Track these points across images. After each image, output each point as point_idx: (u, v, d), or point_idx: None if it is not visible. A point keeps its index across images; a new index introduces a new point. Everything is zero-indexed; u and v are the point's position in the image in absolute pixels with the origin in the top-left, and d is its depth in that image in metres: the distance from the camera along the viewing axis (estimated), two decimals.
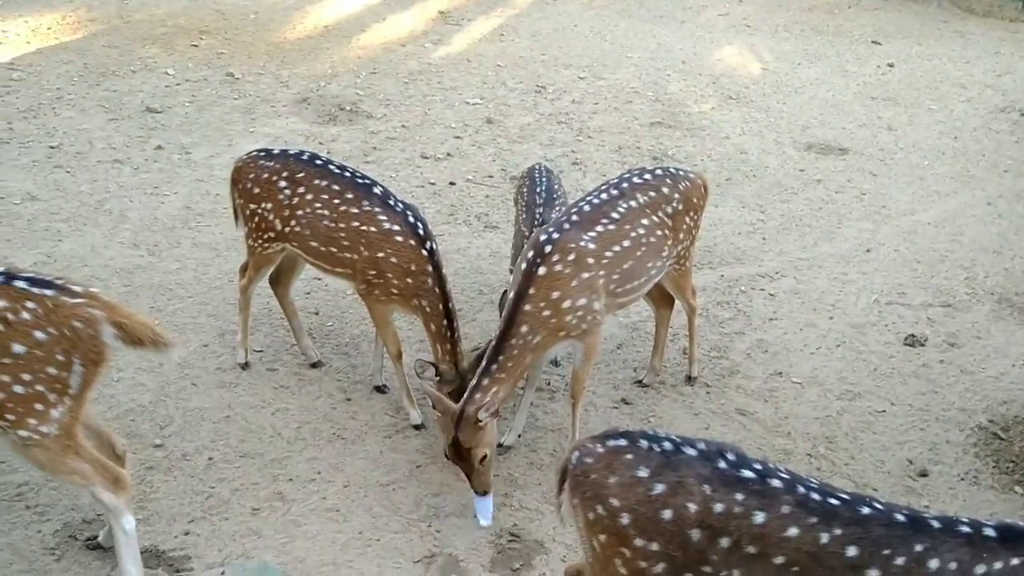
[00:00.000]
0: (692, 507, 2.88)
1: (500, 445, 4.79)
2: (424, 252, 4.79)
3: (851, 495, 2.89)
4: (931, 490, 4.89)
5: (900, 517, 2.80)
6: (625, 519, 2.95)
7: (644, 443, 3.04)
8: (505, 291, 4.84)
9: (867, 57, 11.34)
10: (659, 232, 4.81)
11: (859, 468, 5.01)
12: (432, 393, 4.41)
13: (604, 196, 4.77)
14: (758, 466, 2.96)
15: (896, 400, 5.54)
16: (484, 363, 4.38)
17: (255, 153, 5.17)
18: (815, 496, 2.86)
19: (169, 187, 7.20)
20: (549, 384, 5.48)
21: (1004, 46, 11.91)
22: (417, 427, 5.06)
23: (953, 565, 2.68)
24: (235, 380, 5.30)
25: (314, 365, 5.46)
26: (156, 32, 10.08)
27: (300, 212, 4.93)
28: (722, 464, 2.95)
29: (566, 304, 4.43)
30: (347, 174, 4.99)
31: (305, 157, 5.08)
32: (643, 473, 2.96)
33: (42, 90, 8.47)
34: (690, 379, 5.56)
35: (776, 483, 2.89)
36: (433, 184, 7.61)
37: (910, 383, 5.69)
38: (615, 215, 4.68)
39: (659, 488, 2.92)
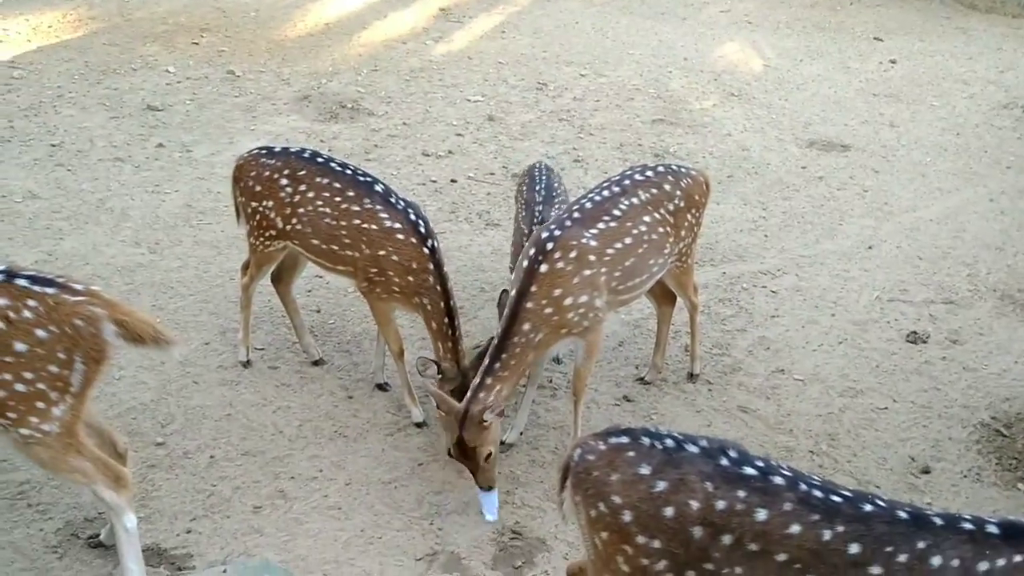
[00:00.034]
0: (694, 504, 2.87)
1: (502, 443, 4.79)
2: (425, 250, 4.79)
3: (853, 492, 2.88)
4: (933, 487, 4.89)
5: (902, 514, 2.79)
6: (627, 516, 2.94)
7: (646, 440, 3.04)
8: (504, 290, 4.84)
9: (869, 53, 11.32)
10: (661, 229, 4.80)
11: (861, 465, 5.00)
12: (436, 392, 4.41)
13: (606, 193, 4.76)
14: (760, 463, 2.95)
15: (898, 397, 5.54)
16: (487, 361, 4.38)
17: (256, 151, 5.17)
18: (817, 493, 2.85)
19: (170, 185, 7.20)
20: (551, 381, 5.48)
21: (1006, 42, 11.90)
22: (419, 425, 5.06)
23: (956, 562, 2.68)
24: (237, 378, 5.30)
25: (316, 363, 5.46)
26: (157, 30, 10.07)
27: (301, 210, 4.93)
28: (724, 461, 2.95)
29: (568, 301, 4.43)
30: (348, 172, 4.98)
31: (306, 155, 5.07)
32: (645, 470, 2.96)
33: (43, 88, 8.47)
34: (692, 376, 5.56)
35: (778, 480, 2.89)
36: (434, 182, 7.60)
37: (912, 380, 5.69)
38: (617, 212, 4.67)
39: (661, 485, 2.92)
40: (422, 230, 4.82)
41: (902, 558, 2.71)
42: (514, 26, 11.34)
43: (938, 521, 2.76)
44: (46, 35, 9.64)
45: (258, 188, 5.02)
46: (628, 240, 4.65)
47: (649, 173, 4.95)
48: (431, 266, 4.78)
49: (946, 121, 9.50)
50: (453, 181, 7.63)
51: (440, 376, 4.68)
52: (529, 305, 4.38)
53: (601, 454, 3.05)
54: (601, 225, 4.60)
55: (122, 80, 8.80)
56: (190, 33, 10.08)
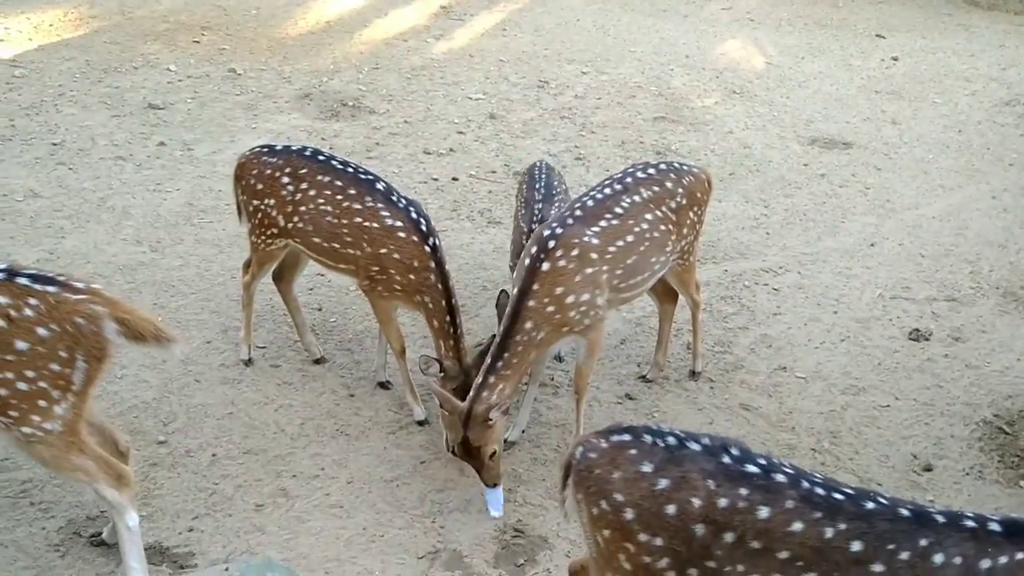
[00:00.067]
0: (696, 502, 2.87)
1: (505, 441, 4.79)
2: (427, 248, 4.78)
3: (855, 490, 2.88)
4: (936, 485, 4.88)
5: (905, 512, 2.79)
6: (629, 514, 2.94)
7: (648, 438, 3.03)
8: (503, 291, 4.84)
9: (871, 51, 11.31)
10: (663, 227, 4.80)
11: (863, 463, 5.00)
12: (439, 392, 4.40)
13: (608, 191, 4.76)
14: (762, 461, 2.95)
15: (901, 395, 5.53)
16: (489, 360, 4.38)
17: (258, 149, 5.17)
18: (819, 491, 2.85)
19: (171, 183, 7.20)
20: (553, 380, 5.48)
21: (1009, 39, 11.88)
22: (421, 423, 5.06)
23: (958, 560, 2.67)
24: (238, 376, 5.30)
25: (317, 361, 5.46)
26: (158, 28, 10.07)
27: (303, 208, 4.92)
28: (726, 459, 2.94)
29: (569, 299, 4.42)
30: (350, 170, 4.98)
31: (308, 153, 5.07)
32: (647, 468, 2.95)
33: (44, 87, 8.47)
34: (694, 374, 5.56)
35: (780, 478, 2.88)
36: (436, 180, 7.60)
37: (914, 378, 5.68)
38: (618, 210, 4.67)
39: (663, 483, 2.92)
40: (423, 228, 4.82)
41: (904, 556, 2.71)
42: (515, 24, 11.33)
43: (940, 519, 2.76)
44: (47, 33, 9.64)
45: (260, 186, 5.02)
46: (630, 238, 4.65)
47: (651, 171, 4.94)
48: (433, 264, 4.78)
49: (948, 118, 9.49)
50: (455, 179, 7.62)
51: (442, 374, 4.68)
52: (531, 303, 4.38)
53: (603, 452, 3.05)
54: (603, 223, 4.59)
55: (123, 78, 8.80)
56: (191, 31, 10.08)
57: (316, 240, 4.95)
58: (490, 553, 4.30)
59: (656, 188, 4.84)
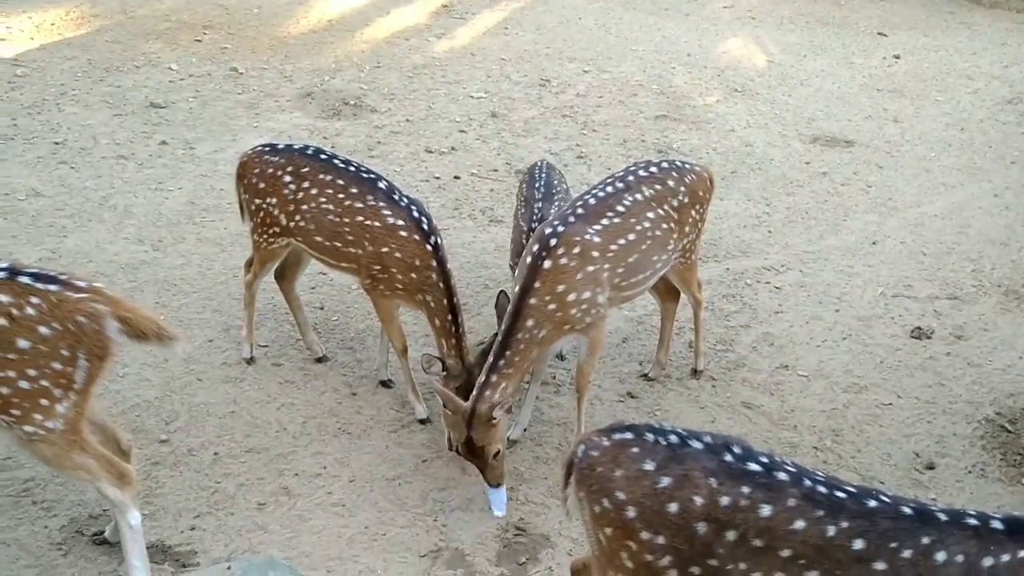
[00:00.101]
0: (698, 500, 2.87)
1: (506, 439, 4.78)
2: (428, 247, 4.78)
3: (857, 488, 2.88)
4: (938, 483, 4.88)
5: (907, 510, 2.78)
6: (631, 512, 2.94)
7: (650, 436, 3.03)
8: (502, 291, 4.84)
9: (873, 49, 11.30)
10: (665, 225, 4.80)
11: (866, 461, 5.00)
12: (443, 391, 4.40)
13: (609, 189, 4.76)
14: (764, 459, 2.95)
15: (903, 393, 5.53)
16: (491, 359, 4.38)
17: (260, 148, 5.17)
18: (821, 489, 2.84)
19: (173, 182, 7.20)
20: (554, 378, 5.48)
21: (1011, 37, 11.86)
22: (423, 422, 5.06)
23: (960, 558, 2.67)
24: (240, 375, 5.30)
25: (319, 360, 5.46)
26: (160, 27, 10.07)
27: (305, 207, 4.93)
28: (728, 457, 2.94)
29: (571, 297, 4.42)
30: (352, 168, 4.99)
31: (310, 152, 5.07)
32: (649, 466, 2.95)
33: (46, 86, 8.47)
34: (696, 372, 5.55)
35: (782, 476, 2.88)
36: (438, 178, 7.60)
37: (917, 376, 5.68)
38: (620, 208, 4.67)
39: (665, 481, 2.92)
40: (425, 227, 4.82)
41: (906, 554, 2.70)
42: (517, 22, 11.33)
43: (942, 517, 2.76)
44: (49, 33, 9.64)
45: (262, 185, 5.02)
46: (632, 236, 4.65)
47: (653, 169, 4.94)
48: (434, 263, 4.78)
49: (950, 116, 9.48)
50: (456, 178, 7.62)
51: (445, 373, 4.68)
52: (533, 301, 4.38)
53: (605, 450, 3.05)
54: (605, 221, 4.59)
55: (125, 77, 8.80)
56: (193, 30, 10.08)
57: (318, 239, 4.95)
58: (492, 551, 4.31)
59: (658, 186, 4.84)
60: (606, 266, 4.53)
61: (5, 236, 6.32)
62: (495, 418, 4.28)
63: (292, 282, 5.45)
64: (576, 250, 4.45)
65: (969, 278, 6.71)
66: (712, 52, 10.81)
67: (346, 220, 4.85)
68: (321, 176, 4.94)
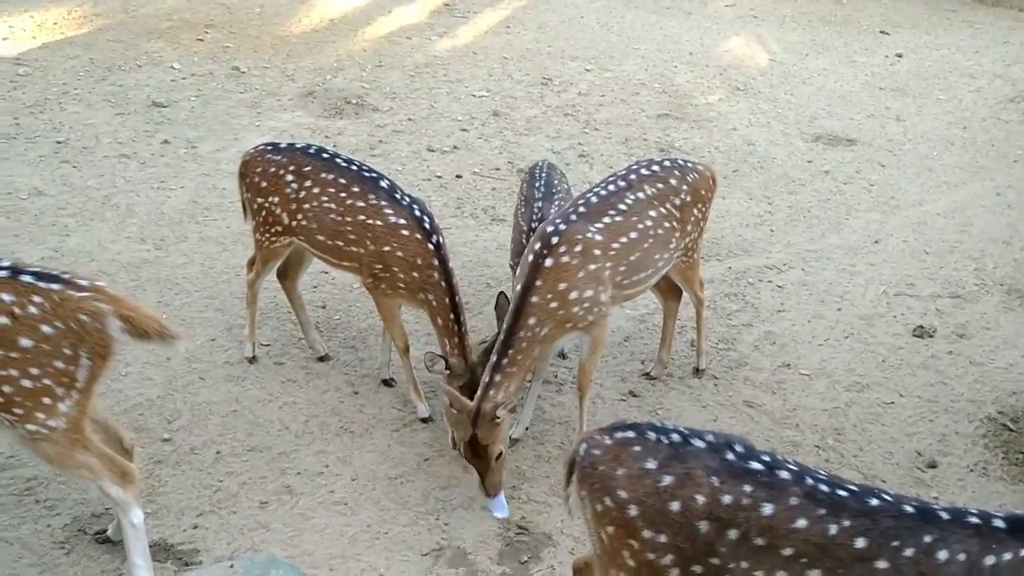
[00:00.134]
0: (700, 499, 2.87)
1: (508, 438, 4.79)
2: (430, 246, 4.78)
3: (859, 486, 2.88)
4: (940, 481, 4.88)
5: (909, 508, 2.78)
6: (633, 511, 2.94)
7: (652, 435, 3.03)
8: (501, 293, 4.85)
9: (875, 47, 11.29)
10: (667, 224, 4.80)
11: (868, 460, 4.99)
12: (448, 390, 4.40)
13: (611, 188, 4.76)
14: (766, 458, 2.95)
15: (905, 391, 5.52)
16: (494, 358, 4.37)
17: (262, 147, 5.17)
18: (823, 488, 2.84)
19: (175, 181, 7.21)
20: (556, 377, 5.48)
21: (1013, 35, 11.85)
22: (425, 420, 5.06)
23: (962, 556, 2.67)
24: (243, 374, 5.30)
25: (321, 359, 5.46)
26: (162, 26, 10.07)
27: (307, 206, 4.93)
28: (730, 456, 2.94)
29: (573, 296, 4.42)
30: (354, 167, 4.99)
31: (312, 150, 5.08)
32: (651, 465, 2.95)
33: (48, 85, 8.48)
34: (698, 371, 5.55)
35: (784, 475, 2.88)
36: (440, 177, 7.60)
37: (919, 374, 5.67)
38: (622, 207, 4.67)
39: (667, 480, 2.92)
40: (427, 226, 4.82)
41: (908, 552, 2.70)
42: (519, 21, 11.33)
43: (944, 515, 2.75)
44: (51, 32, 9.65)
45: (264, 184, 5.03)
46: (633, 235, 4.64)
47: (655, 168, 4.94)
48: (436, 262, 4.78)
49: (953, 115, 9.47)
50: (458, 177, 7.62)
51: (448, 372, 4.68)
52: (534, 300, 4.38)
53: (607, 449, 3.05)
54: (606, 219, 4.59)
55: (127, 77, 8.81)
56: (195, 29, 10.09)
57: (320, 238, 4.95)
58: (494, 550, 4.31)
59: (660, 185, 4.84)
60: (608, 264, 4.53)
61: (7, 235, 6.32)
62: (499, 417, 4.28)
63: (294, 281, 5.45)
64: (578, 248, 4.45)
65: (971, 277, 6.71)
66: (714, 51, 10.80)
67: (348, 219, 4.85)
68: (323, 175, 4.94)
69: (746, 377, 5.57)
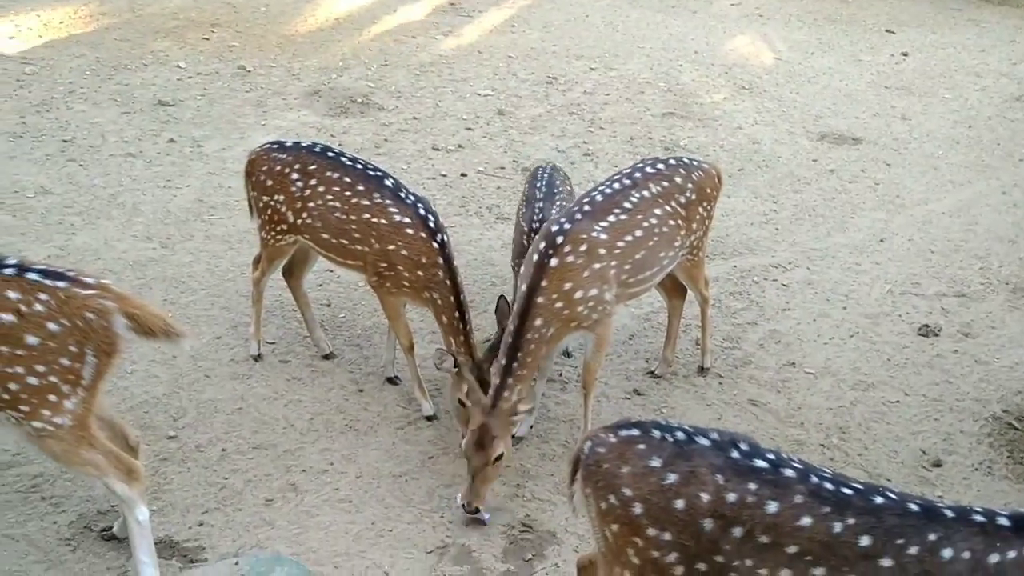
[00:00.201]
0: (705, 497, 2.87)
1: (512, 436, 4.78)
2: (435, 244, 4.79)
3: (864, 485, 2.88)
4: (945, 480, 4.88)
5: (913, 507, 2.78)
6: (637, 509, 2.94)
7: (656, 433, 3.04)
8: (501, 296, 4.85)
9: (881, 46, 11.27)
10: (672, 222, 4.79)
11: (872, 458, 4.99)
12: (471, 381, 4.42)
13: (616, 186, 4.76)
14: (771, 456, 2.95)
15: (910, 390, 5.52)
16: (503, 361, 4.37)
17: (268, 145, 5.18)
18: (828, 486, 2.84)
19: (181, 180, 7.22)
20: (561, 375, 5.48)
21: (1019, 34, 11.84)
22: (429, 418, 5.07)
23: (966, 554, 2.67)
24: (248, 372, 5.31)
25: (326, 357, 5.47)
26: (168, 25, 10.09)
27: (312, 204, 4.94)
28: (735, 454, 2.94)
29: (578, 295, 4.42)
30: (359, 166, 5.00)
31: (317, 149, 5.09)
32: (656, 463, 2.95)
33: (55, 84, 8.50)
34: (702, 370, 5.55)
35: (789, 473, 2.88)
36: (444, 176, 7.61)
37: (924, 373, 5.67)
38: (627, 205, 4.66)
39: (672, 478, 2.92)
40: (432, 224, 4.82)
41: (913, 550, 2.70)
42: (524, 20, 11.33)
43: (949, 513, 2.75)
44: (57, 31, 9.67)
45: (269, 182, 5.03)
46: (638, 233, 4.64)
47: (660, 166, 4.94)
48: (441, 260, 4.78)
49: (958, 114, 9.46)
50: (463, 175, 7.63)
51: (456, 369, 4.68)
52: (540, 300, 4.38)
53: (611, 447, 3.05)
54: (611, 218, 4.59)
55: (133, 76, 8.82)
56: (201, 28, 10.10)
57: (325, 236, 4.96)
58: (498, 548, 4.31)
59: (665, 183, 4.84)
60: (613, 263, 4.53)
61: (14, 233, 6.34)
62: (520, 411, 4.35)
63: (300, 279, 5.46)
64: (583, 247, 4.44)
65: (977, 275, 6.70)
66: (719, 49, 10.80)
67: (353, 218, 4.86)
68: (328, 174, 4.95)
69: (751, 375, 5.56)
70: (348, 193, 4.89)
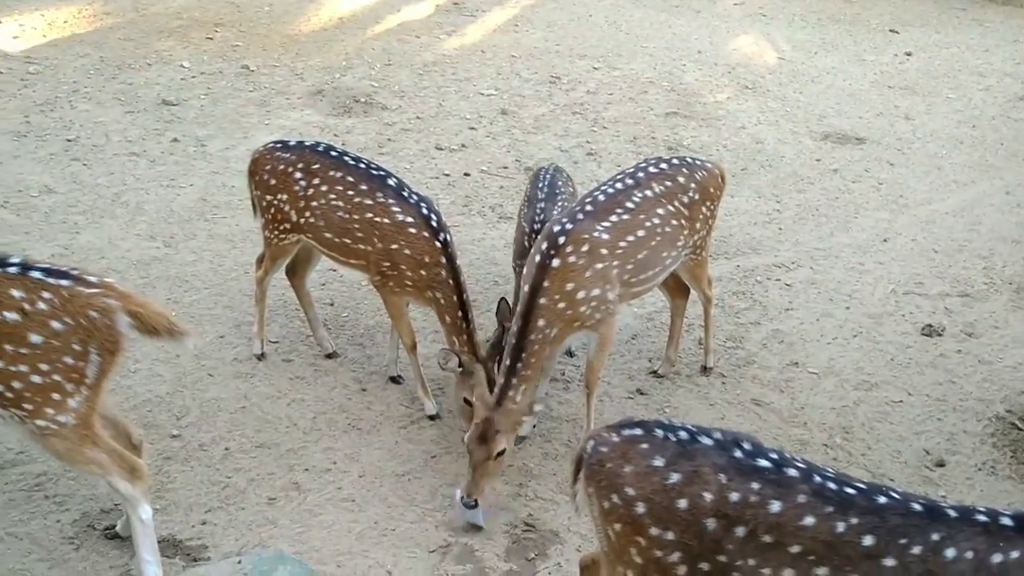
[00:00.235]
0: (708, 496, 2.87)
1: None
2: (438, 244, 4.79)
3: (867, 484, 2.87)
4: (948, 480, 4.87)
5: (916, 506, 2.78)
6: (640, 508, 2.94)
7: (660, 433, 3.03)
8: (502, 298, 4.85)
9: (884, 46, 11.26)
10: (674, 222, 4.79)
11: (876, 458, 4.99)
12: (479, 379, 4.44)
13: (619, 186, 4.75)
14: (774, 456, 2.95)
15: (913, 390, 5.51)
16: (507, 362, 4.37)
17: (271, 145, 5.19)
18: (831, 485, 2.84)
19: (185, 179, 7.23)
20: (564, 374, 5.48)
21: (1023, 34, 11.80)
22: (432, 418, 5.07)
23: (969, 554, 2.67)
24: (251, 371, 5.32)
25: (329, 356, 5.47)
26: (172, 25, 10.10)
27: (315, 203, 4.94)
28: (738, 453, 2.94)
29: (580, 295, 4.42)
30: (362, 165, 5.00)
31: (321, 148, 5.09)
32: (659, 462, 2.95)
33: (59, 83, 8.51)
34: (706, 369, 5.55)
35: (792, 472, 2.88)
36: (448, 175, 7.61)
37: (927, 373, 5.66)
38: (630, 205, 4.66)
39: (675, 477, 2.92)
40: (435, 224, 4.83)
41: (916, 550, 2.70)
42: (527, 19, 11.33)
43: (952, 513, 2.75)
44: (61, 30, 9.68)
45: (272, 182, 5.04)
46: (641, 233, 4.64)
47: (663, 166, 4.94)
48: (444, 260, 4.79)
49: (962, 113, 9.45)
50: (466, 175, 7.63)
51: (461, 369, 4.68)
52: (543, 301, 4.38)
53: (614, 446, 3.05)
54: (613, 218, 4.59)
55: (137, 75, 8.83)
56: (204, 28, 10.11)
57: (328, 235, 4.97)
58: (501, 547, 4.31)
59: (668, 183, 4.83)
60: (615, 263, 4.53)
61: (18, 232, 6.35)
62: (534, 412, 4.40)
63: (303, 278, 5.46)
64: (585, 247, 4.44)
65: (980, 275, 6.69)
66: (723, 49, 10.79)
67: (356, 217, 4.87)
68: (331, 173, 4.95)
69: (754, 375, 5.56)
70: (351, 192, 4.89)
